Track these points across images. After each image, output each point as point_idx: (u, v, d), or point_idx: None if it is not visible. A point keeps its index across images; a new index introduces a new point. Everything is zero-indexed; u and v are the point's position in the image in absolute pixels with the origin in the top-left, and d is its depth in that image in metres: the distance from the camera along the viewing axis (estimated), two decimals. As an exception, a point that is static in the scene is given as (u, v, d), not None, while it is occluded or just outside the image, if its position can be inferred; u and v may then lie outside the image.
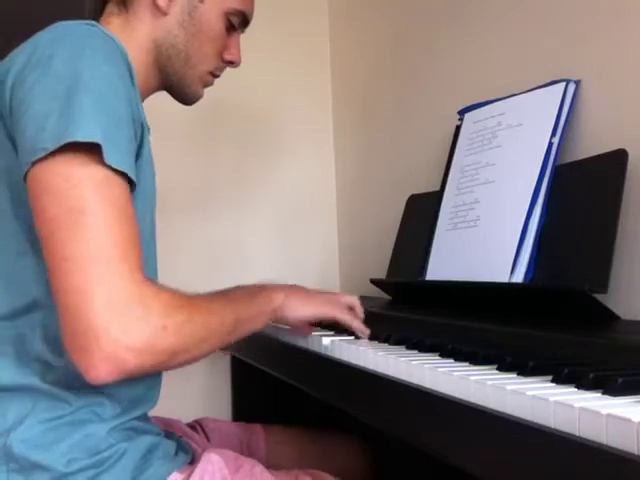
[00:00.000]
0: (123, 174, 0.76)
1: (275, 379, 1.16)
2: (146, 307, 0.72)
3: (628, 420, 0.48)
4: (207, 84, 1.04)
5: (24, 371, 0.80)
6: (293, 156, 1.95)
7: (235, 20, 1.01)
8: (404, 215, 1.47)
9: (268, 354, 1.20)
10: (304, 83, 1.98)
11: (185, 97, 1.04)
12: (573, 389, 0.59)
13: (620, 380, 0.57)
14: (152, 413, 0.98)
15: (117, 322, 0.70)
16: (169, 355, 0.75)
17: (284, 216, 1.93)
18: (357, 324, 1.00)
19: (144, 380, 0.88)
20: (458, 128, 1.30)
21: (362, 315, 1.03)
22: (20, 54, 0.80)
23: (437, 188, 1.31)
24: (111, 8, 0.97)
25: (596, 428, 0.50)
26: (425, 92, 1.56)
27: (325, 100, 2.01)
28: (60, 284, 0.72)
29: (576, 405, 0.52)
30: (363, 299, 1.19)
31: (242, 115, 1.89)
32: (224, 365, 1.79)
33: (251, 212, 1.90)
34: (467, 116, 1.28)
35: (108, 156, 0.73)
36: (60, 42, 0.79)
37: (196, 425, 1.15)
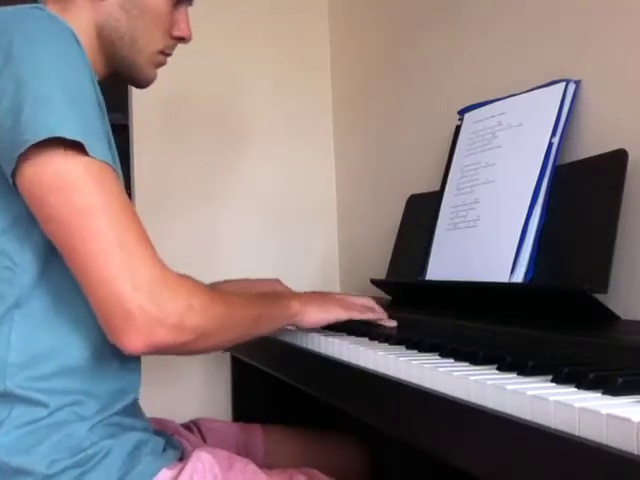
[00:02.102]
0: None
1: (275, 379, 1.16)
2: (171, 288, 0.77)
3: (628, 420, 0.47)
4: (159, 64, 1.00)
5: None
6: (293, 156, 1.95)
7: None
8: (404, 215, 1.47)
9: (268, 354, 1.20)
10: (304, 83, 1.98)
11: (137, 81, 1.00)
12: (573, 389, 0.59)
13: (620, 380, 0.57)
14: (149, 414, 0.98)
15: (148, 301, 0.74)
16: (196, 335, 0.79)
17: (284, 216, 1.93)
18: (372, 315, 1.05)
19: (122, 373, 0.88)
20: (458, 128, 1.30)
21: (379, 309, 1.08)
22: None
23: (437, 188, 1.31)
24: None
25: (596, 428, 0.50)
26: (425, 92, 1.56)
27: (325, 100, 2.01)
28: (89, 279, 0.75)
29: (576, 405, 0.52)
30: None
31: (242, 115, 1.89)
32: (224, 365, 1.79)
33: (251, 212, 1.90)
34: (467, 116, 1.28)
35: (92, 150, 0.75)
36: (13, 27, 0.78)
37: (192, 425, 1.14)
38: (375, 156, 1.79)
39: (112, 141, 0.86)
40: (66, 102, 0.75)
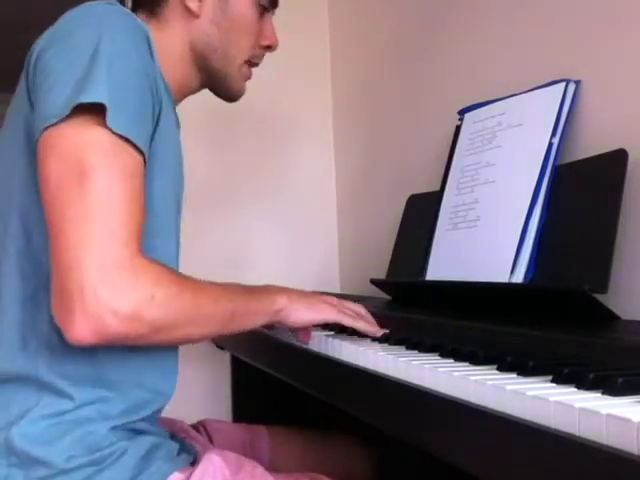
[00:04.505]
0: (133, 144, 0.76)
1: (276, 379, 1.16)
2: (136, 274, 0.72)
3: (628, 420, 0.48)
4: (248, 77, 1.04)
5: (31, 359, 0.80)
6: (293, 156, 1.95)
7: (265, 3, 1.02)
8: (404, 215, 1.47)
9: (268, 354, 1.20)
10: (304, 83, 1.98)
11: (230, 93, 1.04)
12: (573, 389, 0.59)
13: (620, 380, 0.57)
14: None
15: (106, 284, 0.70)
16: (153, 328, 0.74)
17: (284, 216, 1.93)
18: (362, 325, 0.98)
19: (153, 382, 0.87)
20: (458, 128, 1.30)
21: (371, 319, 1.02)
22: (47, 32, 0.82)
23: (437, 188, 1.31)
24: (140, 16, 0.96)
25: (596, 428, 0.50)
26: (425, 92, 1.56)
27: (325, 100, 2.01)
28: (55, 243, 0.72)
29: (576, 405, 0.52)
30: (363, 299, 1.18)
31: (241, 115, 1.89)
32: (224, 365, 1.79)
33: (251, 212, 1.90)
34: (467, 116, 1.28)
35: (111, 119, 0.74)
36: (80, 19, 0.81)
37: (199, 426, 1.15)
38: (375, 156, 1.79)
39: (166, 135, 0.85)
40: (103, 79, 0.75)
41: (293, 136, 1.95)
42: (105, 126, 0.74)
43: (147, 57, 0.82)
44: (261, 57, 1.05)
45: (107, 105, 0.74)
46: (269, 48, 1.05)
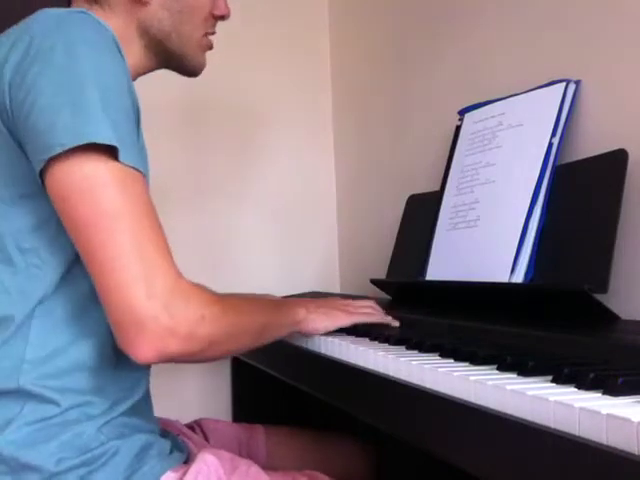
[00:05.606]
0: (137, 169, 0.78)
1: (275, 379, 1.16)
2: (185, 298, 0.78)
3: (628, 420, 0.48)
4: (207, 47, 1.03)
5: (13, 377, 0.80)
6: (293, 156, 1.95)
7: None
8: (404, 215, 1.47)
9: (268, 354, 1.20)
10: (304, 82, 1.98)
11: (189, 70, 1.03)
12: (573, 389, 0.59)
13: (620, 380, 0.57)
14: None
15: (161, 310, 0.75)
16: (207, 344, 0.80)
17: (284, 216, 1.93)
18: (378, 318, 1.06)
19: (132, 369, 0.87)
20: (458, 128, 1.30)
21: (382, 312, 1.09)
22: (15, 46, 0.79)
23: (437, 188, 1.31)
24: (79, 2, 0.94)
25: (596, 428, 0.50)
26: (425, 92, 1.56)
27: (325, 100, 2.01)
28: (104, 284, 0.76)
29: (576, 405, 0.52)
30: (363, 299, 1.18)
31: (242, 114, 1.89)
32: (224, 365, 1.79)
33: (251, 212, 1.90)
34: (467, 116, 1.28)
35: (124, 155, 0.76)
36: (57, 32, 0.78)
37: (195, 426, 1.15)
38: (375, 156, 1.79)
39: (144, 146, 0.87)
40: (102, 109, 0.76)
41: (293, 136, 1.95)
42: (113, 158, 0.76)
43: (126, 69, 0.82)
44: (214, 26, 1.03)
45: (117, 144, 0.75)
46: (222, 18, 1.03)
